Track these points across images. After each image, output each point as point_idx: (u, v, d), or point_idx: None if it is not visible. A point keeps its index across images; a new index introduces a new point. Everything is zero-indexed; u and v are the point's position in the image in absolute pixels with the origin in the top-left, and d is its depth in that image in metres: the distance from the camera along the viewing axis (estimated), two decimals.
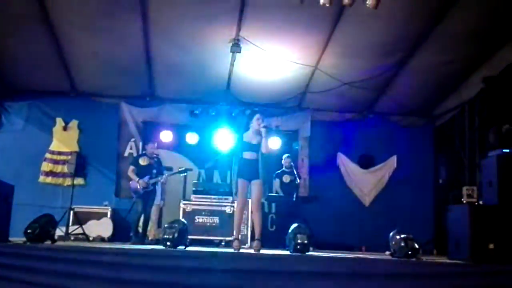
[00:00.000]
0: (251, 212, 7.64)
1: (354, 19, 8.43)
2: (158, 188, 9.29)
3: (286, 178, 9.83)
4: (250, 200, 7.72)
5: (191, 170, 10.07)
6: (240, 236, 7.34)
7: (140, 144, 10.76)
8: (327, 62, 9.67)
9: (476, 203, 6.93)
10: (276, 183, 10.00)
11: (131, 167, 9.10)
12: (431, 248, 9.75)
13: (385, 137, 11.29)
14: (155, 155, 9.35)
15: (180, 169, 9.44)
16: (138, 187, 8.81)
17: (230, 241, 8.05)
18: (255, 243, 7.01)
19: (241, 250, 7.12)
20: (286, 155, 10.10)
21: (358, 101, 10.98)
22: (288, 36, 9.02)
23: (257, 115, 7.09)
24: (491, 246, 5.95)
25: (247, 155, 6.99)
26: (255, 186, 6.97)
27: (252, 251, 7.12)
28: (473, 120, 9.86)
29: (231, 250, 6.93)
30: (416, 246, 6.21)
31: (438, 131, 11.36)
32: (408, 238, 6.28)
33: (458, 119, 10.41)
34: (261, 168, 6.94)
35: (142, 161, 9.10)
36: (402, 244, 6.24)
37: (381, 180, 11.17)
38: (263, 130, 6.95)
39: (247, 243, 9.22)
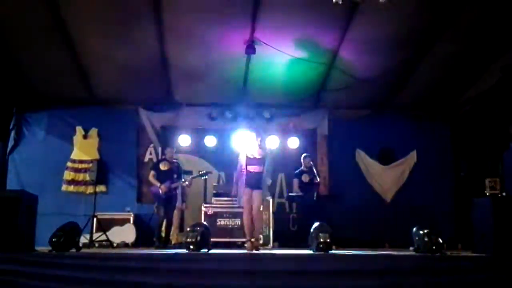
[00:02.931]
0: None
1: (368, 15, 8.39)
2: (179, 192, 9.33)
3: (306, 178, 9.76)
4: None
5: (211, 173, 10.10)
6: (252, 238, 7.74)
7: (160, 149, 10.83)
8: (342, 59, 9.64)
9: (500, 195, 6.84)
10: (295, 182, 9.93)
11: (152, 172, 9.15)
12: (455, 242, 9.66)
13: (404, 131, 11.20)
14: (174, 160, 9.40)
15: (200, 172, 9.48)
16: (160, 192, 8.85)
17: (253, 243, 8.13)
18: (248, 244, 7.63)
19: (262, 251, 7.35)
20: (304, 154, 10.04)
21: (376, 97, 10.91)
22: (302, 36, 9.02)
23: (255, 133, 8.19)
24: None
25: (251, 168, 7.87)
26: (256, 195, 7.79)
27: (274, 251, 7.20)
28: (493, 111, 9.73)
29: (254, 251, 7.01)
30: (440, 241, 6.16)
31: (458, 123, 11.23)
32: (432, 233, 6.23)
33: (478, 110, 10.30)
34: (263, 182, 7.89)
35: (163, 166, 9.14)
36: (426, 239, 6.20)
37: (401, 175, 11.09)
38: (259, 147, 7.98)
39: (269, 243, 9.24)
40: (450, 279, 5.02)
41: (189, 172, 10.12)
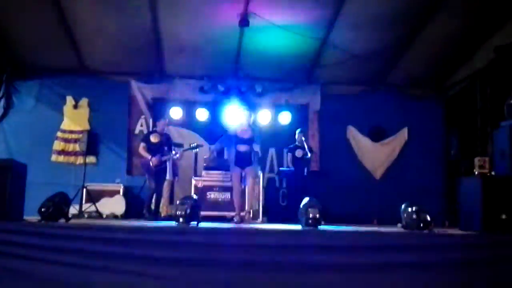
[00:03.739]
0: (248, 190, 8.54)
1: None
2: (169, 164, 9.31)
3: (299, 153, 9.80)
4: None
5: (202, 146, 10.09)
6: (241, 212, 8.25)
7: (150, 121, 10.79)
8: (336, 35, 9.58)
9: (488, 174, 6.88)
10: (289, 157, 10.01)
11: (142, 144, 9.08)
12: (443, 220, 9.74)
13: (396, 109, 11.23)
14: (165, 132, 9.36)
15: (192, 145, 9.46)
16: (151, 164, 8.81)
17: (242, 216, 8.22)
18: (237, 217, 8.09)
19: (252, 225, 7.51)
20: (299, 130, 10.04)
21: (369, 74, 10.91)
22: (297, 9, 8.93)
23: (245, 112, 8.35)
24: (504, 216, 5.94)
25: (241, 147, 8.13)
26: (250, 171, 8.14)
27: (263, 226, 7.33)
28: (485, 90, 9.75)
29: (243, 225, 7.07)
30: (428, 218, 6.19)
31: (450, 102, 11.26)
32: (420, 210, 6.26)
33: (470, 90, 10.31)
34: (254, 157, 8.18)
35: (153, 138, 9.07)
36: (414, 216, 6.22)
37: (392, 152, 11.14)
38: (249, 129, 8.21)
39: (258, 217, 9.29)
40: (438, 256, 5.07)
41: (180, 145, 10.10)
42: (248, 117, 8.27)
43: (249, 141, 8.16)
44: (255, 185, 8.39)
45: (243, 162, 8.13)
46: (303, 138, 9.84)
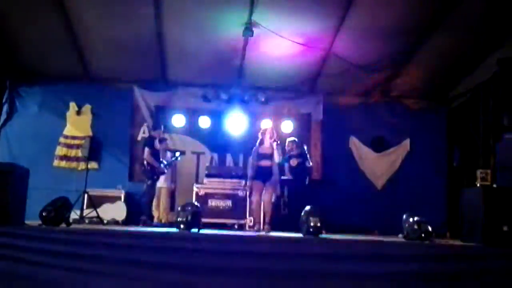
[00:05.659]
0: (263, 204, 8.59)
1: (368, 2, 8.36)
2: (168, 171, 9.44)
3: (294, 162, 9.67)
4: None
5: (184, 154, 10.07)
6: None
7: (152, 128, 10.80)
8: (340, 45, 9.59)
9: (490, 186, 6.89)
10: (286, 167, 9.96)
11: (148, 149, 9.03)
12: (445, 231, 9.72)
13: (399, 120, 11.22)
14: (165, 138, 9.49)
15: (173, 158, 9.60)
16: (157, 171, 8.87)
17: (243, 224, 8.24)
18: (266, 226, 8.20)
19: (253, 233, 7.53)
20: (289, 139, 9.94)
21: (372, 84, 10.91)
22: (301, 20, 8.96)
23: (268, 129, 8.57)
24: (505, 228, 5.95)
25: (263, 163, 8.37)
26: (270, 186, 8.37)
27: (263, 233, 7.53)
28: (487, 103, 9.75)
29: (244, 233, 7.07)
30: (429, 229, 6.20)
31: (452, 114, 11.25)
32: (421, 221, 6.27)
33: (472, 102, 10.31)
34: (275, 174, 8.45)
35: (158, 145, 9.15)
36: (415, 227, 6.24)
37: (394, 163, 11.12)
38: (274, 143, 8.36)
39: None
40: (438, 267, 5.06)
41: (183, 152, 10.20)
42: (271, 133, 8.45)
43: (270, 157, 8.37)
44: (270, 202, 8.47)
45: (265, 176, 8.34)
46: (299, 146, 9.74)
